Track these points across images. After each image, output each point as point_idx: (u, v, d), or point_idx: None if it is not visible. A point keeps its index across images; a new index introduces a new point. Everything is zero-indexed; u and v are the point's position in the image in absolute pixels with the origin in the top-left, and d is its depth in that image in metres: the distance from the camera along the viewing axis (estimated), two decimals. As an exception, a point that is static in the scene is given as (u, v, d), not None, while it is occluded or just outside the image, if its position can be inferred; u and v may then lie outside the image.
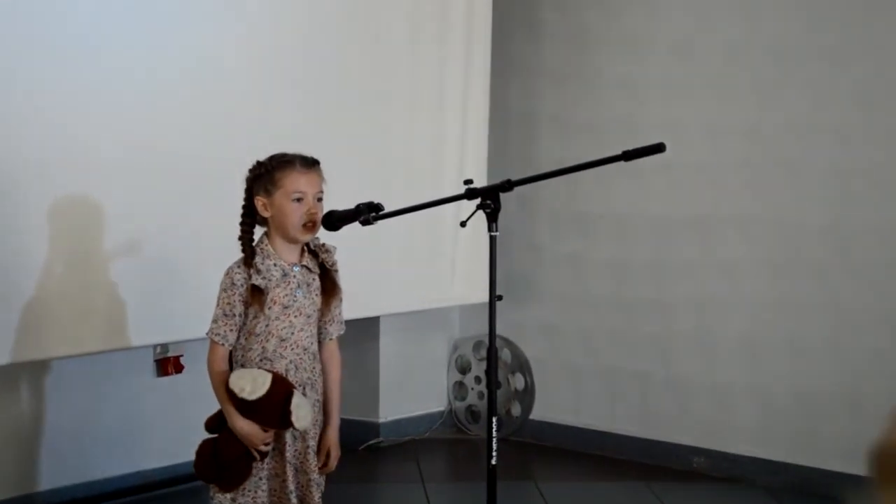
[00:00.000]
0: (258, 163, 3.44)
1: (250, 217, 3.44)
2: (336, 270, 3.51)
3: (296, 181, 3.37)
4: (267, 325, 3.38)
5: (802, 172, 5.23)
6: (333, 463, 3.52)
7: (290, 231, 3.39)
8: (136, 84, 4.48)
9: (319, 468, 3.48)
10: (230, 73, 4.78)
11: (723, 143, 5.44)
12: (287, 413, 3.30)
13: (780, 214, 5.30)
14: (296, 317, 3.41)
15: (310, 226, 3.39)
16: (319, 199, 3.42)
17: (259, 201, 3.40)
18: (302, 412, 3.32)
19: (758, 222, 5.36)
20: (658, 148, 3.15)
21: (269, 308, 3.37)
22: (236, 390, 3.32)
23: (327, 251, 3.50)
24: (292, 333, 3.41)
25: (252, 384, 3.31)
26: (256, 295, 3.36)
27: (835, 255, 5.16)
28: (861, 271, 5.10)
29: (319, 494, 3.45)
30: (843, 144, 5.12)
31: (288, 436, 3.40)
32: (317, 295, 3.47)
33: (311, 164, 3.43)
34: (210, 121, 4.68)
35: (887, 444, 1.27)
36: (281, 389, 3.31)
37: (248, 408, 3.32)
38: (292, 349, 3.41)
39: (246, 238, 3.42)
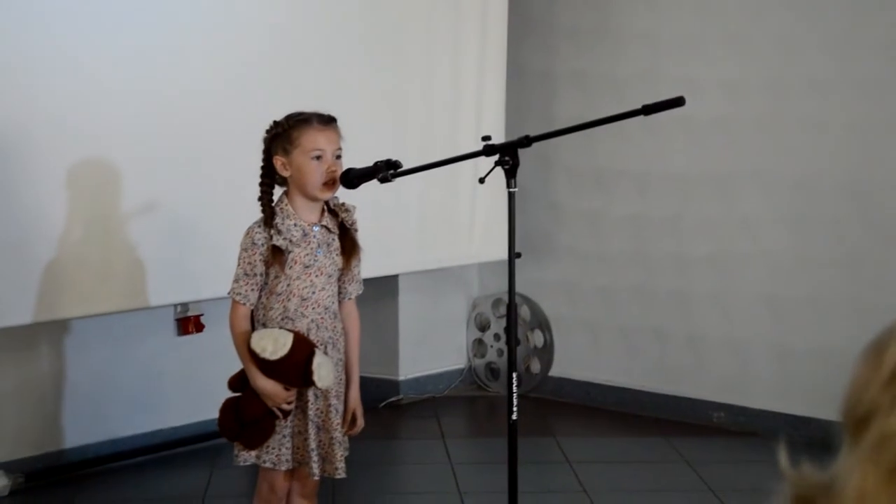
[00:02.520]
0: (275, 122, 3.43)
1: (269, 178, 3.43)
2: (356, 230, 3.50)
3: (314, 139, 3.36)
4: (288, 285, 3.38)
5: (823, 128, 5.19)
6: (361, 422, 3.53)
7: (310, 190, 3.38)
8: (155, 46, 4.47)
9: (348, 431, 3.50)
10: (248, 35, 4.76)
11: (743, 99, 5.40)
12: (309, 373, 3.31)
13: (800, 170, 5.27)
14: (317, 276, 3.41)
15: (330, 184, 3.38)
16: (338, 157, 3.41)
17: (278, 161, 3.39)
18: (324, 371, 3.33)
19: (778, 178, 5.34)
20: (678, 102, 3.13)
21: (290, 268, 3.37)
22: (258, 350, 3.33)
23: (347, 210, 3.49)
24: (313, 293, 3.41)
25: (274, 344, 3.32)
26: (277, 255, 3.36)
27: (855, 211, 5.13)
28: (881, 227, 5.08)
29: (342, 453, 3.46)
30: (864, 100, 5.08)
31: (310, 394, 3.41)
32: (337, 255, 3.46)
33: (328, 121, 3.41)
34: (228, 82, 4.67)
35: (852, 390, 1.27)
36: (303, 349, 3.33)
37: (270, 367, 3.33)
38: (314, 308, 3.41)
39: (265, 199, 3.42)
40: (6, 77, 4.15)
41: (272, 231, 3.36)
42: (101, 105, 4.35)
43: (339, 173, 3.40)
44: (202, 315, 5.15)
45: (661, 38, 5.63)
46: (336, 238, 3.47)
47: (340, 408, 3.48)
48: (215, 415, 3.49)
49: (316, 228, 3.42)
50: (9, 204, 4.19)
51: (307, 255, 3.39)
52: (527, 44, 6.03)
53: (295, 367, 3.32)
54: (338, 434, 3.45)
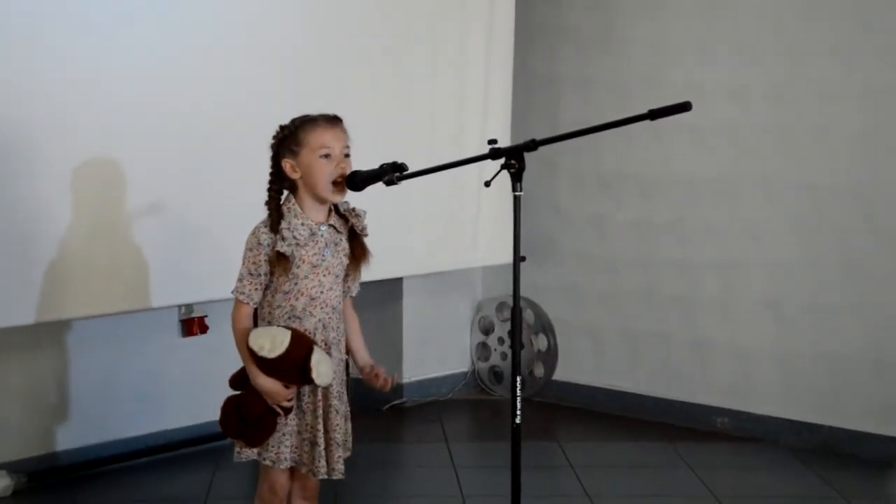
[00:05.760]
0: (281, 126, 3.42)
1: (278, 183, 3.42)
2: (366, 235, 3.50)
3: (321, 137, 3.36)
4: (296, 284, 3.38)
5: (828, 134, 5.19)
6: (384, 374, 3.55)
7: (320, 190, 3.37)
8: (160, 47, 4.47)
9: (381, 386, 3.51)
10: (255, 38, 4.76)
11: (748, 104, 5.40)
12: (307, 370, 3.31)
13: (804, 176, 5.27)
14: (325, 276, 3.41)
15: (340, 183, 3.37)
16: (347, 156, 3.41)
17: (287, 164, 3.38)
18: (322, 368, 3.33)
19: (782, 184, 5.34)
20: (684, 107, 3.12)
21: (298, 267, 3.37)
22: (255, 348, 3.33)
23: (357, 216, 3.48)
24: (321, 292, 3.40)
25: (271, 342, 3.31)
26: (281, 261, 3.35)
27: (859, 217, 5.13)
28: (886, 233, 5.08)
29: (340, 454, 3.45)
30: (870, 106, 5.08)
31: (319, 393, 3.41)
32: (344, 255, 3.46)
33: (334, 120, 3.41)
34: (234, 84, 4.67)
35: None
36: (301, 346, 3.32)
37: (268, 365, 3.33)
38: (322, 308, 3.41)
39: (273, 203, 3.40)
40: (11, 78, 4.15)
41: (277, 237, 3.36)
42: (107, 106, 4.35)
43: (348, 171, 3.39)
44: (206, 316, 5.15)
45: (667, 43, 5.63)
46: (343, 238, 3.46)
47: (342, 408, 3.48)
48: (218, 416, 3.49)
49: (323, 228, 3.42)
50: (13, 204, 4.19)
51: (315, 254, 3.39)
52: (533, 48, 6.03)
53: (293, 365, 3.31)
54: (337, 435, 3.44)
